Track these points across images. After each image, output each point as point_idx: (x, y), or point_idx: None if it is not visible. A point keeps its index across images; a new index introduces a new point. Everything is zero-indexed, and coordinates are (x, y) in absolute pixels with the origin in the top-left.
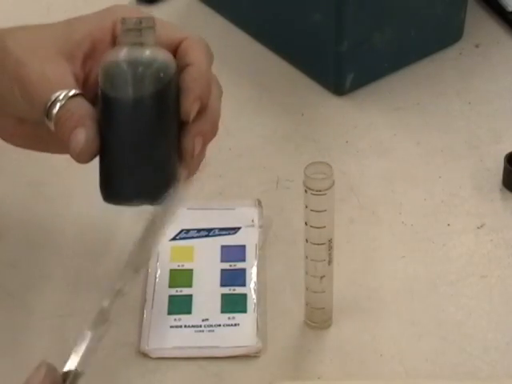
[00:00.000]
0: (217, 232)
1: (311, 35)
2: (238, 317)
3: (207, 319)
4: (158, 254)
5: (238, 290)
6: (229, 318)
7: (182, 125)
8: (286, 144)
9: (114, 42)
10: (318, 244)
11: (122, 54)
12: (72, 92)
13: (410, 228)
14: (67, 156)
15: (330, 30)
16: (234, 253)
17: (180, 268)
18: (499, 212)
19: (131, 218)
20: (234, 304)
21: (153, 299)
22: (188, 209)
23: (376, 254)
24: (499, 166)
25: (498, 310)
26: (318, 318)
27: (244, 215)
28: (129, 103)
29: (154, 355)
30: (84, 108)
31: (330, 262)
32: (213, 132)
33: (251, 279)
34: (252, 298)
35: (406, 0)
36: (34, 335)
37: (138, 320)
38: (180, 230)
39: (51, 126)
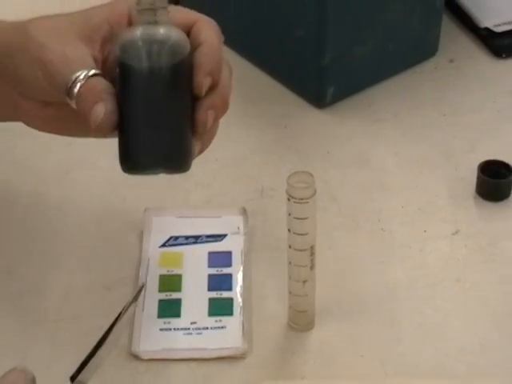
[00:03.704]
0: (204, 239)
1: (293, 50)
2: (225, 320)
3: (195, 322)
4: (148, 260)
5: (225, 294)
6: (216, 321)
7: (195, 100)
8: (270, 155)
9: (131, 25)
10: (301, 250)
11: (138, 32)
12: (92, 72)
13: (389, 234)
14: (63, 167)
15: (312, 45)
16: (221, 259)
17: (169, 273)
18: (473, 219)
19: (124, 228)
20: (220, 307)
21: (143, 303)
22: (177, 217)
23: (356, 259)
24: (473, 174)
25: (473, 312)
26: (301, 321)
27: (230, 223)
28: (145, 75)
29: (144, 357)
30: (103, 85)
31: (312, 267)
32: (224, 107)
33: (237, 284)
34: (238, 301)
35: (384, 16)
36: (30, 341)
37: (130, 323)
38: (169, 237)
39: (73, 104)
